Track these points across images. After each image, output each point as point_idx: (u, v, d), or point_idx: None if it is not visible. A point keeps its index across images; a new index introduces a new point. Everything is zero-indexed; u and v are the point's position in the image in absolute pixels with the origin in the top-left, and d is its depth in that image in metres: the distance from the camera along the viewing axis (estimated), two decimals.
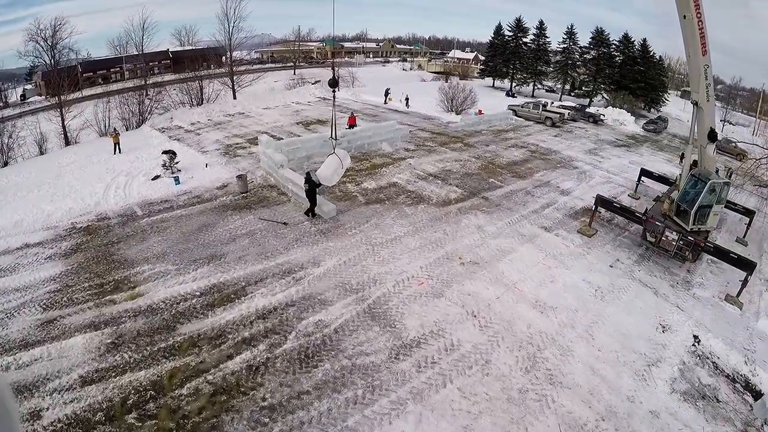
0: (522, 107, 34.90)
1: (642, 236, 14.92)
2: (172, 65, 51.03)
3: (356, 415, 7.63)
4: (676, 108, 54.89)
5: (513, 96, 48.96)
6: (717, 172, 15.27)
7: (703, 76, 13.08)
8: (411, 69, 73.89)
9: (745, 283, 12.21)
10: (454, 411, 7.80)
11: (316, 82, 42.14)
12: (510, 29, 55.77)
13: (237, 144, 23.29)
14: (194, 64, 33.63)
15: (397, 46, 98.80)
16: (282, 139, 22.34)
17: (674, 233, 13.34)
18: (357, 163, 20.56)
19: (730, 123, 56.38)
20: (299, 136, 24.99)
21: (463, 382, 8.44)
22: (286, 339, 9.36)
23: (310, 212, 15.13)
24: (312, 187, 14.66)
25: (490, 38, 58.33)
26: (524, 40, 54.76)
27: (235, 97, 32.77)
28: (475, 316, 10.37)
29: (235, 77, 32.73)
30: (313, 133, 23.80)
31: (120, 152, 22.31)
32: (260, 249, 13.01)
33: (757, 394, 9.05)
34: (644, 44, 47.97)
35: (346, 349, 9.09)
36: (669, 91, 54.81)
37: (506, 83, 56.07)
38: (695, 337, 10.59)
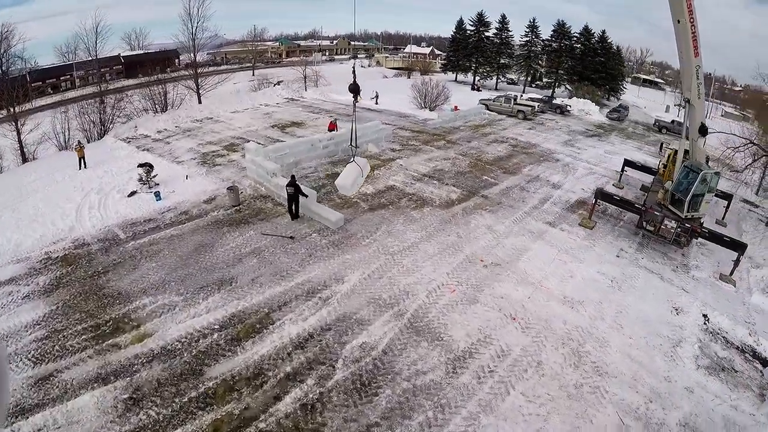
0: (494, 101, 35.12)
1: (638, 225, 15.40)
2: (124, 71, 46.83)
3: None
4: (632, 95, 57.87)
5: (479, 90, 49.37)
6: (707, 162, 16.00)
7: (695, 76, 13.75)
8: (369, 66, 72.95)
9: (737, 262, 13.21)
10: (525, 417, 7.77)
11: (278, 82, 40.26)
12: (472, 23, 56.27)
13: (214, 152, 21.50)
14: (148, 68, 30.92)
15: (352, 42, 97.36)
16: (263, 144, 20.91)
17: (672, 221, 14.00)
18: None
19: (681, 106, 59.74)
20: (277, 140, 23.58)
21: (523, 386, 8.41)
22: (334, 369, 8.45)
23: (294, 214, 14.63)
24: (296, 192, 14.05)
25: (452, 33, 58.56)
26: (486, 34, 55.34)
27: (200, 102, 30.43)
28: (514, 319, 10.30)
29: (199, 80, 30.40)
30: (298, 137, 22.44)
31: (86, 167, 19.84)
32: (273, 268, 11.83)
33: (764, 361, 10.00)
34: (603, 36, 49.91)
35: (401, 371, 8.47)
36: (626, 79, 57.74)
37: (469, 77, 56.47)
38: (704, 316, 11.33)
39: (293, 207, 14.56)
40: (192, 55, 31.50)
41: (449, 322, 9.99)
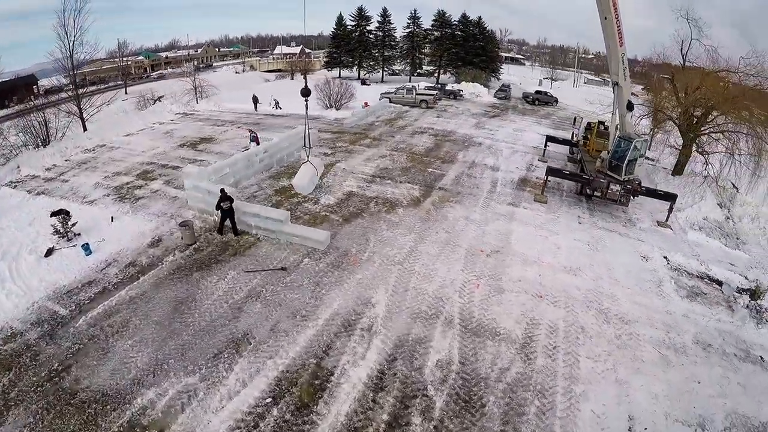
0: (395, 94, 35.41)
1: (578, 192, 17.52)
2: None
3: (557, 421, 7.46)
4: (506, 74, 63.58)
5: (368, 85, 49.42)
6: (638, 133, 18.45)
7: (620, 62, 15.67)
8: (244, 71, 67.83)
9: (670, 210, 15.77)
10: (601, 374, 8.53)
11: (159, 98, 34.76)
12: (352, 18, 55.65)
13: (127, 184, 17.54)
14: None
15: (216, 49, 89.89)
16: (177, 167, 17.88)
17: (617, 185, 15.82)
18: (290, 179, 17.89)
19: (552, 79, 68.42)
20: (194, 160, 20.35)
21: (584, 351, 9.14)
22: (429, 397, 7.76)
23: (231, 229, 13.42)
24: (230, 204, 12.97)
25: (333, 29, 57.29)
26: (368, 28, 55.40)
27: (85, 128, 24.52)
28: (541, 297, 10.81)
29: (81, 103, 24.31)
30: (235, 154, 19.51)
31: None
32: (286, 310, 10.12)
33: (718, 282, 12.49)
34: (479, 21, 53.52)
35: (488, 375, 8.35)
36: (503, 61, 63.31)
37: (353, 73, 56.12)
38: (665, 257, 13.37)
39: (228, 222, 13.31)
40: (72, 74, 25.18)
41: (494, 316, 10.05)
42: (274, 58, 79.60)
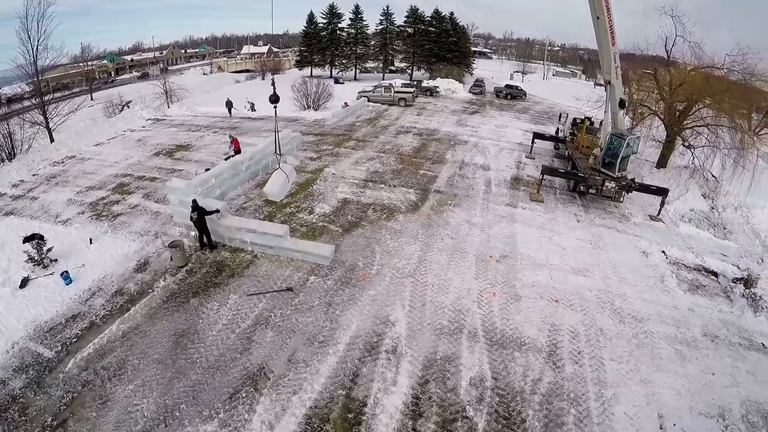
0: (373, 93, 34.55)
1: (572, 189, 17.55)
2: None
3: (595, 428, 7.44)
4: (478, 69, 63.48)
5: (341, 83, 48.21)
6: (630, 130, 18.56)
7: (613, 61, 15.80)
8: (212, 72, 64.87)
9: (662, 204, 15.86)
10: (626, 375, 8.59)
11: (127, 103, 32.49)
12: (324, 16, 53.97)
13: (103, 199, 16.04)
14: None
15: (182, 51, 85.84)
16: (155, 178, 16.67)
17: (612, 182, 16.02)
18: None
19: (523, 73, 69.11)
20: (172, 170, 18.98)
21: (608, 353, 9.15)
22: (470, 418, 7.43)
23: (206, 244, 12.64)
24: (201, 215, 12.07)
25: (303, 27, 55.42)
26: (340, 25, 53.92)
27: (52, 139, 22.31)
28: (557, 301, 10.64)
29: (47, 113, 22.02)
30: (219, 163, 18.26)
31: None
32: (302, 336, 9.35)
33: (714, 273, 12.71)
34: (452, 17, 53.10)
35: (523, 388, 8.12)
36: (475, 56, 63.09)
37: (326, 71, 54.57)
38: (663, 252, 13.42)
39: (204, 237, 12.50)
40: (36, 80, 22.81)
41: (516, 325, 9.81)
42: (242, 58, 76.78)
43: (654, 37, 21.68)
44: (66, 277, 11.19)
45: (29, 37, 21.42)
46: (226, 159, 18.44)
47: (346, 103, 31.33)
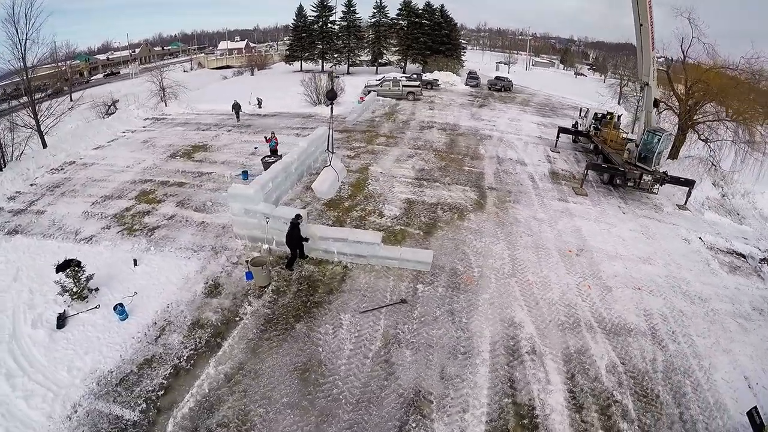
0: (381, 87, 32.57)
1: (607, 182, 17.49)
2: None
3: (707, 394, 7.73)
4: (470, 62, 62.30)
5: (337, 77, 45.52)
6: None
7: (652, 65, 16.18)
8: (192, 69, 60.21)
9: (689, 194, 16.21)
10: (711, 348, 8.80)
11: (114, 102, 28.68)
12: (314, 9, 50.81)
13: (128, 210, 13.32)
14: None
15: (156, 48, 79.91)
16: (183, 183, 14.63)
17: (649, 175, 16.14)
18: (337, 192, 14.96)
19: (508, 64, 68.74)
20: (198, 173, 16.39)
21: (693, 331, 9.27)
22: (620, 402, 7.31)
23: (290, 263, 10.49)
24: (297, 232, 10.04)
25: (293, 21, 52.07)
26: (332, 18, 51.08)
27: (45, 144, 18.72)
28: (640, 289, 10.56)
29: (39, 115, 18.39)
30: (273, 164, 16.11)
31: None
32: (441, 351, 8.14)
33: (742, 254, 13.01)
34: (443, 10, 51.39)
35: (646, 369, 8.11)
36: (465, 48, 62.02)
37: (317, 66, 51.38)
38: (700, 238, 13.61)
39: (299, 253, 10.61)
40: (26, 78, 19.05)
41: (618, 313, 9.63)
42: (221, 54, 72.25)
43: (669, 37, 21.92)
44: (121, 311, 8.78)
45: (17, 31, 17.97)
46: (264, 159, 16.09)
47: (361, 98, 29.27)
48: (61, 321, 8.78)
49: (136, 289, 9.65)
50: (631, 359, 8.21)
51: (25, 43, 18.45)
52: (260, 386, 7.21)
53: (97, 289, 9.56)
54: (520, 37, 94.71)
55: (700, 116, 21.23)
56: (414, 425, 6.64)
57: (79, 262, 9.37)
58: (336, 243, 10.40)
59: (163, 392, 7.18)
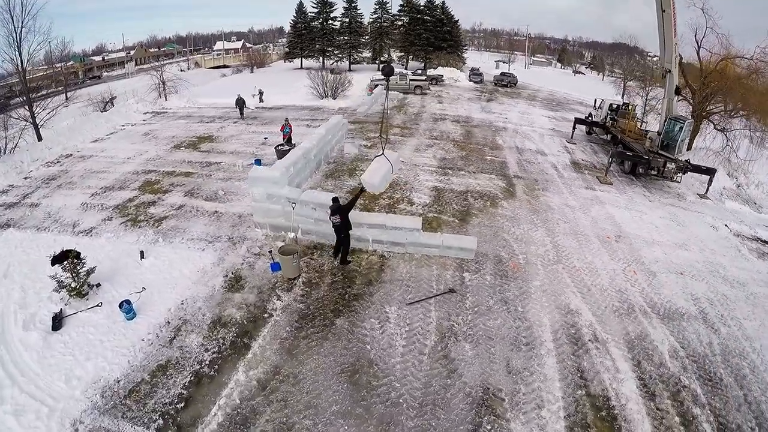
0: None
1: (629, 171, 16.90)
2: None
3: (764, 375, 7.27)
4: (470, 60, 61.31)
5: (338, 74, 44.30)
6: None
7: (674, 52, 15.65)
8: (189, 68, 58.63)
9: (710, 182, 15.68)
10: (758, 330, 8.31)
11: (112, 99, 27.15)
12: (315, 6, 49.46)
13: (131, 200, 11.91)
14: None
15: (152, 49, 78.65)
16: (191, 173, 13.32)
17: (672, 163, 15.61)
18: (353, 177, 13.73)
19: (508, 62, 68.57)
20: (205, 162, 14.99)
21: (740, 314, 8.76)
22: (688, 387, 6.74)
23: (339, 255, 9.06)
24: (347, 212, 8.69)
25: (292, 18, 50.70)
26: (333, 15, 49.73)
27: (40, 138, 17.22)
28: (682, 274, 10.04)
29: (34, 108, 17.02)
30: (291, 149, 14.50)
31: None
32: (503, 343, 7.19)
33: (765, 241, 12.52)
34: (443, 6, 50.14)
35: (705, 353, 7.59)
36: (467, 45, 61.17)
37: (318, 63, 49.89)
38: (726, 225, 13.12)
39: (344, 245, 8.98)
40: (21, 71, 17.57)
41: (668, 298, 9.04)
42: (218, 54, 71.00)
43: (683, 27, 21.41)
44: (127, 309, 7.38)
45: (12, 18, 16.53)
46: (277, 148, 14.77)
47: (371, 90, 28.08)
48: (58, 321, 7.37)
49: (144, 285, 8.27)
50: (689, 344, 7.78)
51: (21, 31, 17.05)
52: (302, 393, 5.88)
53: (98, 285, 8.17)
54: (515, 37, 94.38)
55: (714, 106, 20.85)
56: (489, 427, 5.66)
57: (78, 254, 7.95)
58: (371, 230, 9.09)
59: (183, 405, 5.82)
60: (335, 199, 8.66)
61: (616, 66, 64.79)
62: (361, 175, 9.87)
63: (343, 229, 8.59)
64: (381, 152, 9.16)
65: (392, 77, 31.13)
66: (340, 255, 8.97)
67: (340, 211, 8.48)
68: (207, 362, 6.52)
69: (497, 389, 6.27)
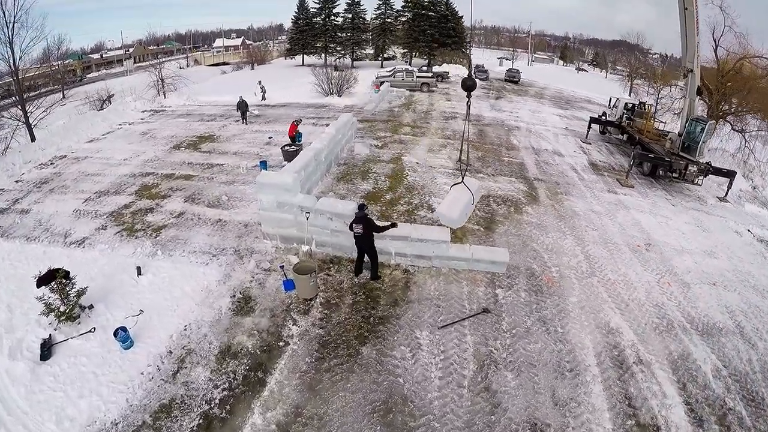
0: (393, 77, 30.28)
1: (648, 173, 16.23)
2: None
3: None
4: (473, 56, 60.48)
5: (341, 71, 43.22)
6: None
7: (696, 50, 15.06)
8: (188, 65, 57.45)
9: (730, 185, 15.21)
10: None
11: (109, 96, 26.14)
12: (317, 2, 48.11)
13: (128, 207, 11.00)
14: None
15: (149, 48, 77.59)
16: (191, 176, 12.53)
17: (694, 165, 14.82)
18: (366, 180, 12.86)
19: (507, 59, 68.34)
20: (207, 164, 14.05)
21: None
22: (734, 410, 6.25)
23: (361, 270, 8.26)
24: (371, 230, 7.70)
25: (294, 15, 49.50)
26: (336, 11, 48.50)
27: (33, 138, 16.28)
28: (715, 284, 9.53)
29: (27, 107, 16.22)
30: (300, 151, 13.58)
31: None
32: (546, 370, 6.49)
33: None
34: (448, 2, 48.53)
35: (746, 371, 7.10)
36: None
37: (320, 59, 48.64)
38: (749, 230, 12.67)
39: (372, 259, 8.07)
40: (13, 69, 16.60)
41: (704, 311, 8.50)
42: (217, 51, 69.85)
43: (701, 25, 20.60)
44: (124, 337, 6.50)
45: (3, 13, 15.56)
46: (284, 148, 13.87)
47: (377, 86, 27.18)
48: (47, 350, 6.49)
49: (142, 306, 7.37)
50: (729, 361, 7.30)
51: (13, 26, 16.07)
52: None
53: (91, 307, 7.28)
54: (516, 34, 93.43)
55: (730, 107, 20.40)
56: None
57: (67, 273, 7.03)
58: (394, 242, 8.22)
59: None
60: (362, 206, 7.76)
61: (619, 63, 64.08)
62: (437, 207, 8.51)
63: (364, 242, 7.72)
64: (461, 180, 7.73)
65: (398, 74, 30.80)
66: (369, 270, 8.11)
67: (365, 222, 7.59)
68: (217, 401, 5.66)
69: (545, 424, 5.61)
